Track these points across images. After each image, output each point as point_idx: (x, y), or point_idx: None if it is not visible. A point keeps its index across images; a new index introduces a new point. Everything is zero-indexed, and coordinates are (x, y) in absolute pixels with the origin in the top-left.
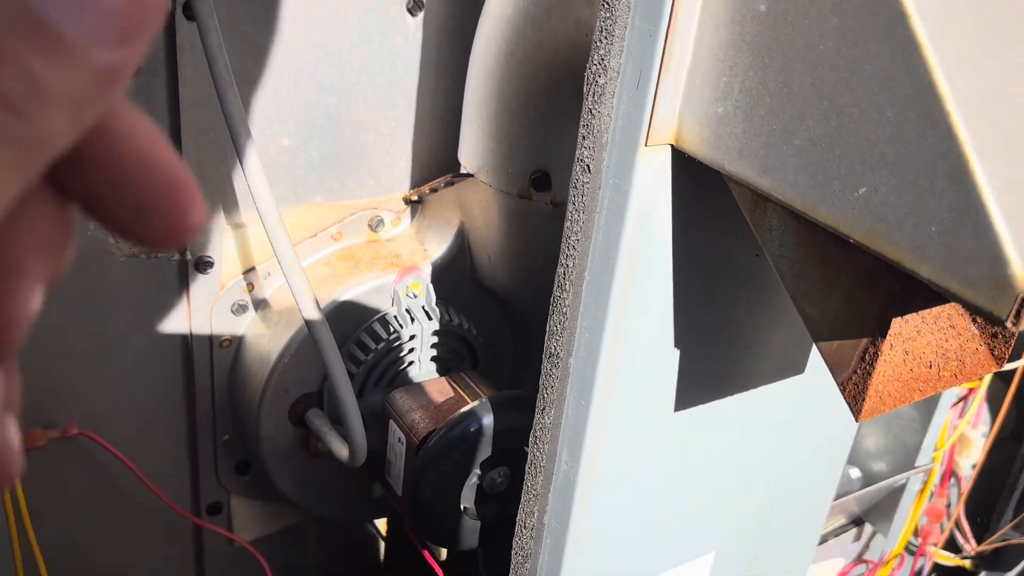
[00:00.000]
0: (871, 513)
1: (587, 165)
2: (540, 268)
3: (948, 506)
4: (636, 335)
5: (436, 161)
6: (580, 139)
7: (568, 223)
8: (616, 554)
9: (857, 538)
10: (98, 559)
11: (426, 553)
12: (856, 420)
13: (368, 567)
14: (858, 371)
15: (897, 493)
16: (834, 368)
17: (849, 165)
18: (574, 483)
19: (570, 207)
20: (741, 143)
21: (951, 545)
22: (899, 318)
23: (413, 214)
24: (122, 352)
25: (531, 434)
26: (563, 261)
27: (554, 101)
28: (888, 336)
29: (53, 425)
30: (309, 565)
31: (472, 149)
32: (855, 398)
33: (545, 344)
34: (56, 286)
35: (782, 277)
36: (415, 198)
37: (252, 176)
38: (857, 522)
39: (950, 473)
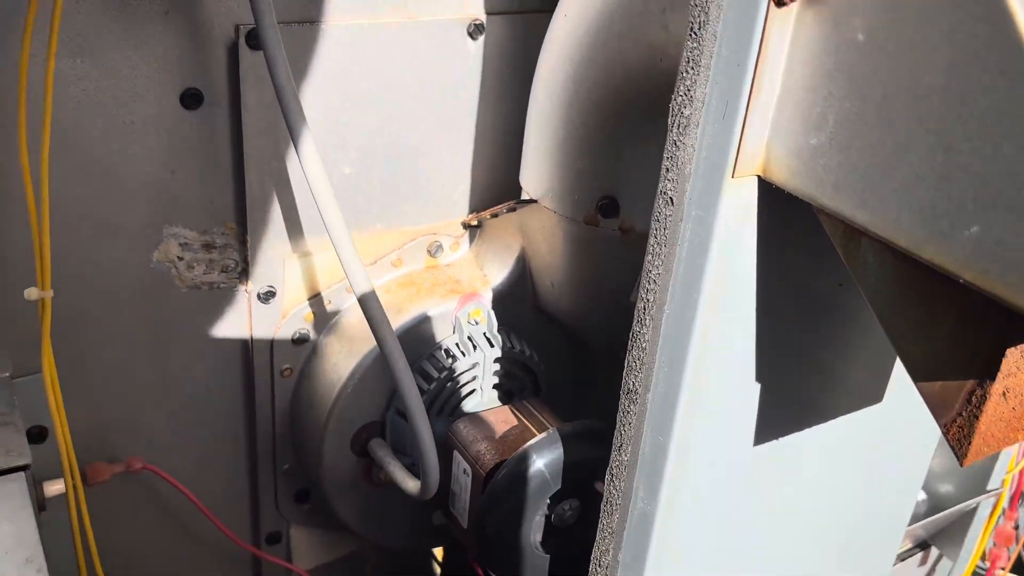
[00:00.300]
0: (938, 537)
1: (670, 198)
2: (607, 294)
3: (1017, 528)
4: (717, 370)
5: (495, 185)
6: (663, 171)
7: (649, 257)
8: None
9: (923, 562)
10: None
11: None
12: (961, 464)
13: None
14: (963, 414)
15: (966, 517)
16: (936, 410)
17: (960, 203)
18: (651, 520)
19: (651, 240)
20: (836, 176)
21: (1019, 568)
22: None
23: (471, 238)
24: (184, 383)
25: (607, 471)
26: (643, 295)
27: (624, 127)
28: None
29: (117, 459)
30: None
31: (536, 175)
32: (960, 441)
33: (623, 380)
34: (118, 318)
35: (878, 314)
36: (475, 223)
37: (324, 204)
38: (923, 546)
39: (1019, 495)
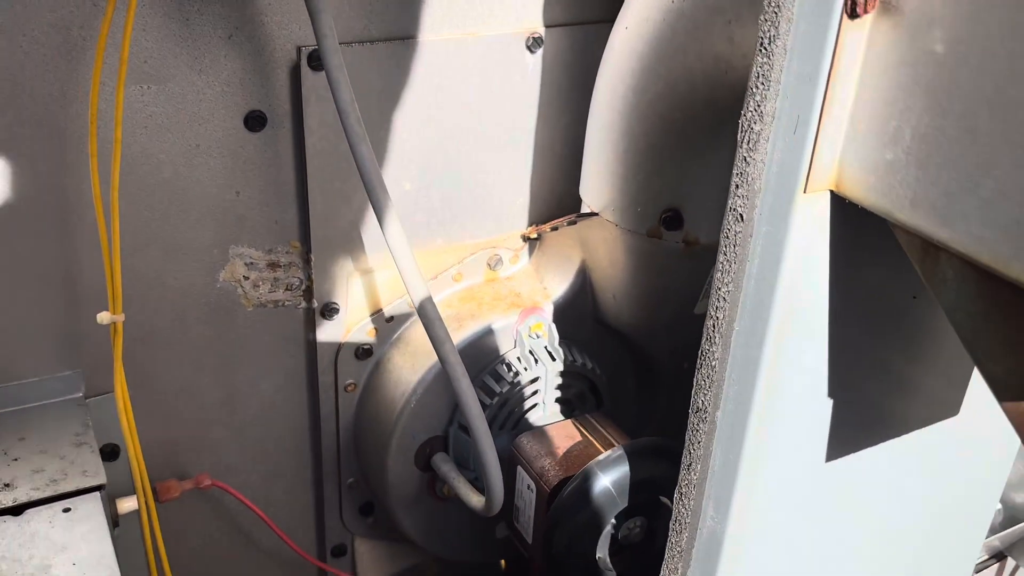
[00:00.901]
0: (1015, 548)
1: (740, 214)
2: (670, 307)
3: None
4: (789, 387)
5: (555, 197)
6: (733, 187)
7: (719, 274)
8: None
9: (999, 574)
10: None
11: None
12: None
13: None
14: None
15: None
16: (1021, 429)
17: None
18: (721, 539)
19: (721, 258)
20: (914, 191)
21: None
22: None
23: (531, 251)
24: (250, 400)
25: (676, 490)
26: (712, 313)
27: (688, 139)
28: None
29: (187, 475)
30: None
31: (597, 187)
32: None
33: (692, 398)
34: (186, 337)
35: (959, 331)
36: (534, 236)
37: (385, 222)
38: (999, 556)
39: None
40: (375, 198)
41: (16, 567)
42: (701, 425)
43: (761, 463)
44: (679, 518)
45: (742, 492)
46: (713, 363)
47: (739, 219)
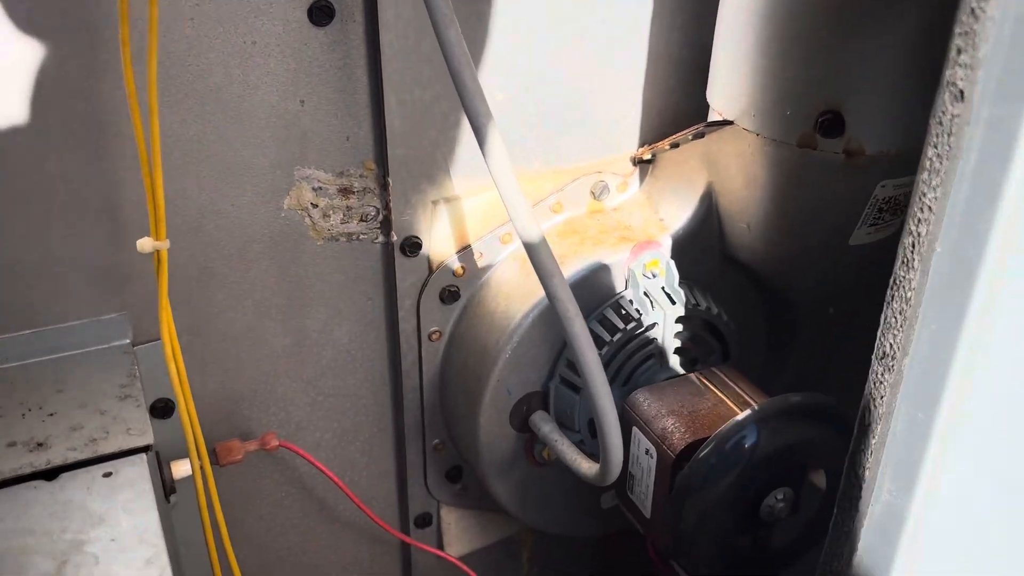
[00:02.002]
0: None
1: (960, 91)
2: (820, 237)
3: None
4: (1005, 328)
5: (671, 112)
6: (952, 53)
7: (924, 175)
8: None
9: None
10: None
11: None
12: None
13: None
14: None
15: None
16: None
17: None
18: (901, 518)
19: (929, 152)
20: None
21: None
22: None
23: (641, 177)
24: (322, 349)
25: (847, 456)
26: (912, 228)
27: (851, 17)
28: None
29: (251, 434)
30: None
31: (730, 89)
32: None
33: (877, 341)
34: (247, 275)
35: None
36: (647, 157)
37: (481, 126)
38: None
39: None
40: (468, 98)
41: (45, 542)
42: (886, 375)
43: (959, 426)
44: (848, 491)
45: (932, 461)
46: (908, 295)
47: (957, 97)
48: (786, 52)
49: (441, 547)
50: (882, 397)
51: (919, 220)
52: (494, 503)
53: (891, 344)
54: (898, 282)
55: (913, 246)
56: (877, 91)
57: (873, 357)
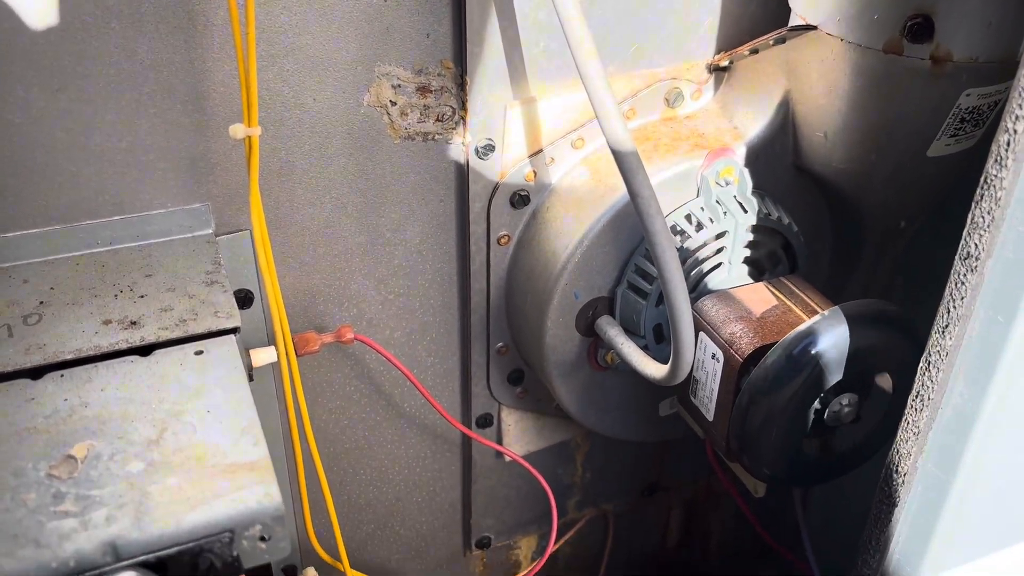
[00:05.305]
0: None
1: None
2: (899, 147)
3: None
4: None
5: (747, 18)
6: None
7: None
8: (1011, 517)
9: None
10: (363, 469)
11: (734, 491)
12: None
13: (641, 488)
14: None
15: None
16: None
17: None
18: (971, 421)
19: None
20: None
21: None
22: None
23: (716, 85)
24: (395, 248)
25: (923, 357)
26: (1008, 125)
27: None
28: None
29: (325, 328)
30: (577, 485)
31: None
32: None
33: (962, 241)
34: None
35: None
36: (725, 63)
37: (568, 19)
38: None
39: None
40: None
41: (144, 411)
42: (969, 276)
43: None
44: (921, 392)
45: (1008, 365)
46: (998, 194)
47: None
48: None
49: (501, 446)
50: (962, 299)
51: (1016, 117)
52: (556, 406)
53: (976, 244)
54: (988, 181)
55: (1008, 144)
56: None
57: (957, 257)
